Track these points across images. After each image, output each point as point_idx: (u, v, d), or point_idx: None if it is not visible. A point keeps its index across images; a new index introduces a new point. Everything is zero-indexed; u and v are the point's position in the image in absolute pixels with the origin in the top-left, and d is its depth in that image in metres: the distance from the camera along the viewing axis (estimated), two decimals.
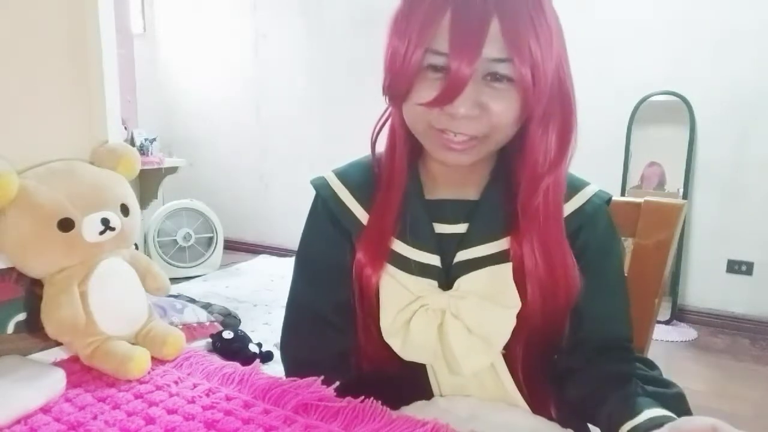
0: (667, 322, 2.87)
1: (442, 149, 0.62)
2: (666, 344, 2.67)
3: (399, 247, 0.68)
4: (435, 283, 0.67)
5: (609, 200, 0.71)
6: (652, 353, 0.74)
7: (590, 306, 0.68)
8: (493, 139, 0.62)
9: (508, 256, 0.66)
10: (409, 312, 0.66)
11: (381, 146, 0.73)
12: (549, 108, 0.61)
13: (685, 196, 2.83)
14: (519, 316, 0.65)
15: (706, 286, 2.90)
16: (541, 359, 0.69)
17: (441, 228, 0.69)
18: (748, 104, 2.69)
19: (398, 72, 0.60)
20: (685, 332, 2.79)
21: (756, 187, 2.73)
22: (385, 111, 0.71)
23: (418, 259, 0.68)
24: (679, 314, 2.94)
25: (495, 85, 0.58)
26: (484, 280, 0.66)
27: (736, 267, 2.82)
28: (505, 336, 0.65)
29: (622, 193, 2.96)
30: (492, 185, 0.69)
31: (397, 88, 0.61)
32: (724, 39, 2.69)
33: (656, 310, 0.79)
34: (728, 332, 2.81)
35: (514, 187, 0.66)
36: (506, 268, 0.65)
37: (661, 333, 2.74)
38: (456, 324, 0.65)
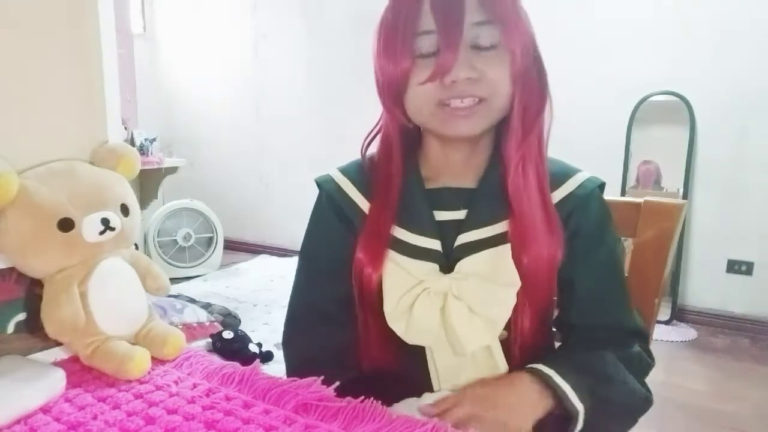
0: (667, 322, 2.87)
1: (451, 120, 0.65)
2: (666, 344, 2.68)
3: (401, 234, 0.70)
4: (436, 267, 0.69)
5: (602, 186, 0.72)
6: (653, 353, 0.74)
7: (581, 290, 0.69)
8: (493, 103, 0.65)
9: (506, 238, 0.67)
10: (412, 296, 0.67)
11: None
12: (528, 72, 0.66)
13: (685, 196, 2.83)
14: (519, 294, 0.66)
15: (706, 286, 2.90)
16: (539, 342, 0.70)
17: (441, 215, 0.71)
18: (748, 104, 2.69)
19: (394, 70, 0.64)
20: (685, 332, 2.79)
21: (756, 187, 2.73)
22: (375, 126, 0.74)
23: (419, 244, 0.69)
24: (679, 314, 2.94)
25: (483, 53, 0.63)
26: (484, 262, 0.67)
27: (736, 267, 2.82)
28: (506, 313, 0.66)
29: (622, 193, 2.96)
30: (489, 172, 0.71)
31: (396, 86, 0.66)
32: (723, 39, 2.69)
33: (656, 310, 0.79)
34: (728, 332, 2.81)
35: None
36: (505, 249, 0.67)
37: (661, 333, 2.74)
38: (458, 305, 0.66)
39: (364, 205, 0.73)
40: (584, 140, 2.93)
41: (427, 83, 0.63)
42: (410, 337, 0.69)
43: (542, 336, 0.71)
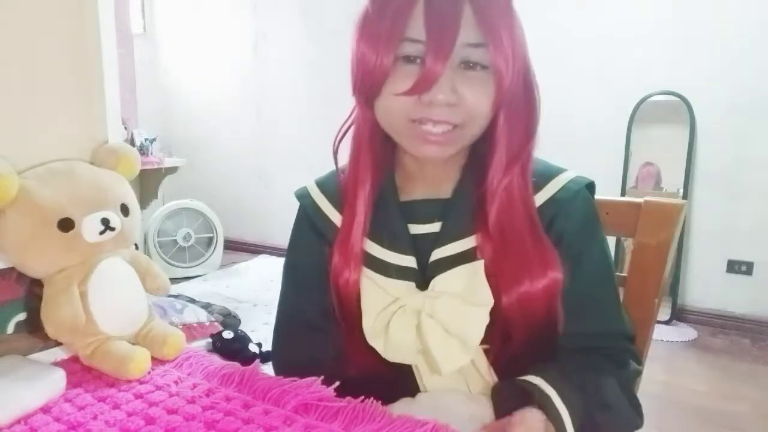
0: (667, 322, 2.87)
1: (421, 143, 0.62)
2: (666, 344, 2.67)
3: (375, 250, 0.69)
4: (412, 284, 0.67)
5: (591, 186, 0.69)
6: (652, 353, 0.73)
7: (569, 298, 0.66)
8: (469, 129, 0.62)
9: (479, 254, 0.65)
10: (389, 314, 0.66)
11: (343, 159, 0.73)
12: (516, 98, 0.63)
13: (685, 196, 2.83)
14: (494, 312, 0.64)
15: (706, 286, 2.90)
16: (524, 354, 0.67)
17: (416, 228, 0.69)
18: (748, 104, 2.69)
19: (372, 68, 0.60)
20: (685, 332, 2.79)
21: (756, 187, 2.73)
22: (346, 120, 0.71)
23: (394, 262, 0.68)
24: (679, 314, 2.94)
25: (469, 74, 0.60)
26: (458, 279, 0.65)
27: (736, 267, 2.82)
28: (478, 334, 0.64)
29: (622, 194, 2.96)
30: (463, 182, 0.69)
31: (370, 85, 0.62)
32: (724, 39, 2.69)
33: (656, 310, 0.79)
34: (728, 332, 2.81)
35: (482, 184, 0.66)
36: (478, 266, 0.65)
37: (661, 333, 2.74)
38: (432, 324, 0.64)
39: (336, 219, 0.72)
40: (584, 140, 2.93)
41: (403, 96, 0.59)
42: (390, 355, 0.67)
43: (534, 347, 0.67)
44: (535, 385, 0.59)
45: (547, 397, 0.58)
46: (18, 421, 0.55)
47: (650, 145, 2.94)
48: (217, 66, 4.24)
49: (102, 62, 0.80)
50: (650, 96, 2.86)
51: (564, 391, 0.59)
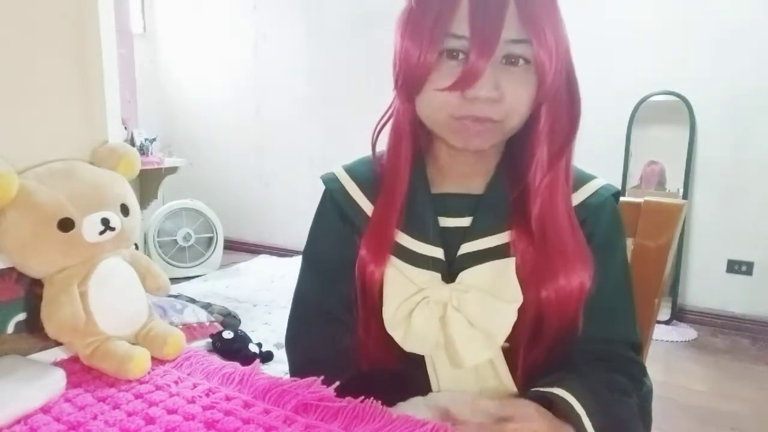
0: (667, 322, 2.88)
1: (464, 135, 0.63)
2: (666, 344, 2.68)
3: (404, 239, 0.69)
4: (438, 276, 0.68)
5: (617, 194, 0.71)
6: (652, 353, 0.74)
7: (588, 301, 0.66)
8: (508, 123, 0.63)
9: (510, 250, 0.66)
10: (412, 303, 0.66)
11: (381, 146, 0.74)
12: (559, 94, 0.63)
13: (685, 196, 2.83)
14: (521, 310, 0.65)
15: (706, 286, 2.90)
16: (545, 357, 0.68)
17: (446, 222, 0.70)
18: (748, 104, 2.69)
19: (415, 63, 0.61)
20: (685, 332, 2.79)
21: (756, 187, 2.73)
22: (386, 112, 0.72)
23: (422, 252, 0.68)
24: (679, 314, 2.94)
25: (511, 69, 0.60)
26: (487, 274, 0.66)
27: (736, 267, 2.83)
28: (506, 330, 0.65)
29: (623, 193, 2.96)
30: (497, 178, 0.70)
31: (413, 81, 0.63)
32: (724, 39, 2.69)
33: (656, 310, 0.79)
34: (728, 332, 2.82)
35: (519, 180, 0.67)
36: (509, 263, 0.65)
37: (661, 333, 2.74)
38: (457, 317, 0.65)
39: (367, 207, 0.72)
40: (584, 140, 2.92)
41: (446, 92, 0.60)
42: (408, 345, 0.68)
43: (555, 354, 0.68)
44: (570, 404, 0.59)
45: (582, 425, 0.58)
46: (18, 421, 0.55)
47: (650, 145, 2.94)
48: (217, 66, 4.24)
49: (102, 62, 0.80)
50: (650, 96, 2.87)
51: (595, 414, 0.59)
